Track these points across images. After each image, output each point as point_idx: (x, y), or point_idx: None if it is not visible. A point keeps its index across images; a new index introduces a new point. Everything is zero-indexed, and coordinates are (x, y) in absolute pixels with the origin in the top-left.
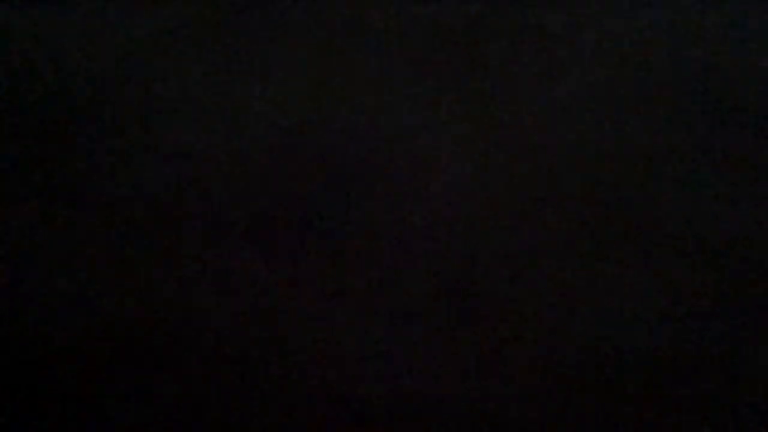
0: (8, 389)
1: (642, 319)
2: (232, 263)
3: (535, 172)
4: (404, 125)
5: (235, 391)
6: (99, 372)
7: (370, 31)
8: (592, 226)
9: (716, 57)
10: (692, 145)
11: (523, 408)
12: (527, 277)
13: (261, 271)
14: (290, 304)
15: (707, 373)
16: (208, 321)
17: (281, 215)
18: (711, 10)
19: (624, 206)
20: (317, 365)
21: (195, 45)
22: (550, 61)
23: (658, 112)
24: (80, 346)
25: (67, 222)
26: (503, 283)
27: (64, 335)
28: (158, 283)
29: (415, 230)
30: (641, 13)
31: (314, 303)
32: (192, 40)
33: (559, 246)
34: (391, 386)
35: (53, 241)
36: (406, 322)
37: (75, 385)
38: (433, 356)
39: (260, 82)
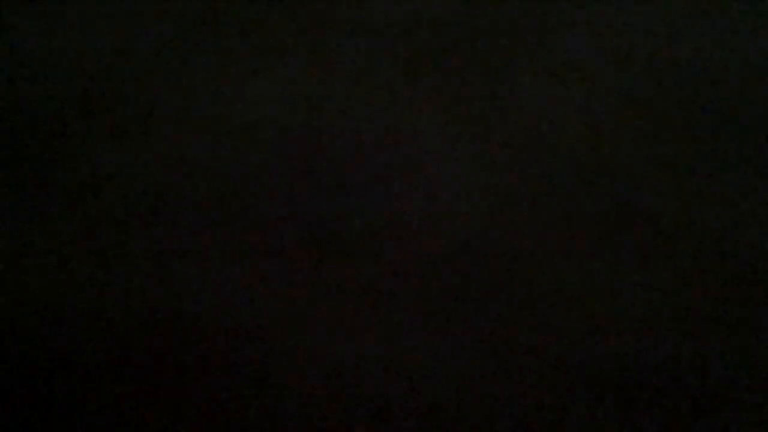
0: (7, 390)
1: (641, 320)
2: (231, 263)
3: (535, 172)
4: (404, 125)
5: (234, 391)
6: (98, 372)
7: (370, 31)
8: (592, 226)
9: (716, 57)
10: (692, 145)
11: (524, 409)
12: (528, 278)
13: (261, 271)
14: (290, 304)
15: (707, 373)
16: (208, 321)
17: (281, 215)
18: (711, 10)
19: (624, 206)
20: (317, 365)
21: (195, 45)
22: (550, 61)
23: (658, 112)
24: (79, 346)
25: (66, 221)
26: (504, 283)
27: (63, 334)
28: (158, 283)
29: (415, 230)
30: (641, 12)
31: (314, 303)
32: (192, 40)
33: (560, 246)
34: (393, 387)
35: (52, 240)
36: (407, 323)
37: (74, 385)
38: (434, 357)
39: (260, 82)
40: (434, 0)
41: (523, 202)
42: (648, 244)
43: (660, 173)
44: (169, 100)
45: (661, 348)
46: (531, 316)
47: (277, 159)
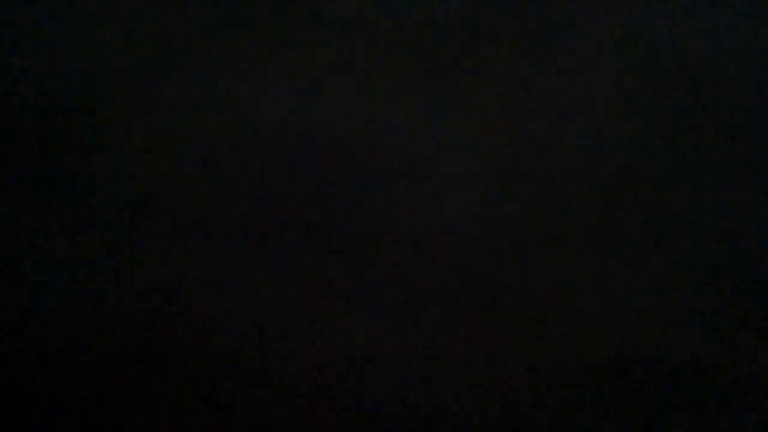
0: (8, 390)
1: (642, 320)
2: (231, 263)
3: (535, 172)
4: (405, 124)
5: (234, 391)
6: (98, 371)
7: (370, 31)
8: (593, 226)
9: (716, 57)
10: (692, 145)
11: (524, 409)
12: (528, 277)
13: (261, 271)
14: (290, 304)
15: (707, 373)
16: (208, 320)
17: (281, 215)
18: (711, 10)
19: (624, 206)
20: (317, 366)
21: (195, 45)
22: (550, 61)
23: (658, 112)
24: (79, 346)
25: (66, 222)
26: (504, 283)
27: (63, 334)
28: (158, 283)
29: (415, 230)
30: (641, 13)
31: (314, 303)
32: (192, 40)
33: (559, 246)
34: (393, 387)
35: (52, 240)
36: (406, 323)
37: (74, 384)
38: (434, 357)
39: (260, 82)
40: (436, 0)
41: (525, 202)
42: (648, 244)
43: (660, 173)
44: (168, 100)
45: (662, 348)
46: (531, 316)
47: (277, 159)
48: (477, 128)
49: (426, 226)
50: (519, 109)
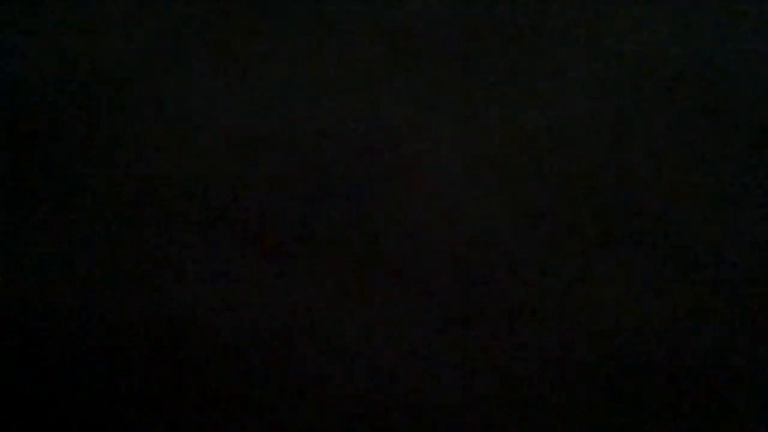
0: (8, 389)
1: (640, 320)
2: (231, 263)
3: (534, 173)
4: (403, 125)
5: (233, 391)
6: (98, 370)
7: (370, 32)
8: (591, 226)
9: (716, 57)
10: (692, 145)
11: (525, 409)
12: (526, 278)
13: (261, 270)
14: (290, 304)
15: (706, 374)
16: (207, 321)
17: (281, 215)
18: (711, 10)
19: (625, 207)
20: (316, 365)
21: (195, 46)
22: (549, 62)
23: (658, 113)
24: (78, 345)
25: (66, 221)
26: (502, 283)
27: (62, 333)
28: (157, 283)
29: (414, 230)
30: (641, 13)
31: (314, 303)
32: (193, 40)
33: (558, 247)
34: (392, 386)
35: (53, 240)
36: (405, 322)
37: (74, 383)
38: (432, 356)
39: (259, 81)
40: (434, 0)
41: (525, 202)
42: (649, 245)
43: (660, 173)
44: (169, 99)
45: (662, 348)
46: (532, 316)
47: (277, 159)
48: (477, 128)
49: (425, 226)
50: (519, 110)
